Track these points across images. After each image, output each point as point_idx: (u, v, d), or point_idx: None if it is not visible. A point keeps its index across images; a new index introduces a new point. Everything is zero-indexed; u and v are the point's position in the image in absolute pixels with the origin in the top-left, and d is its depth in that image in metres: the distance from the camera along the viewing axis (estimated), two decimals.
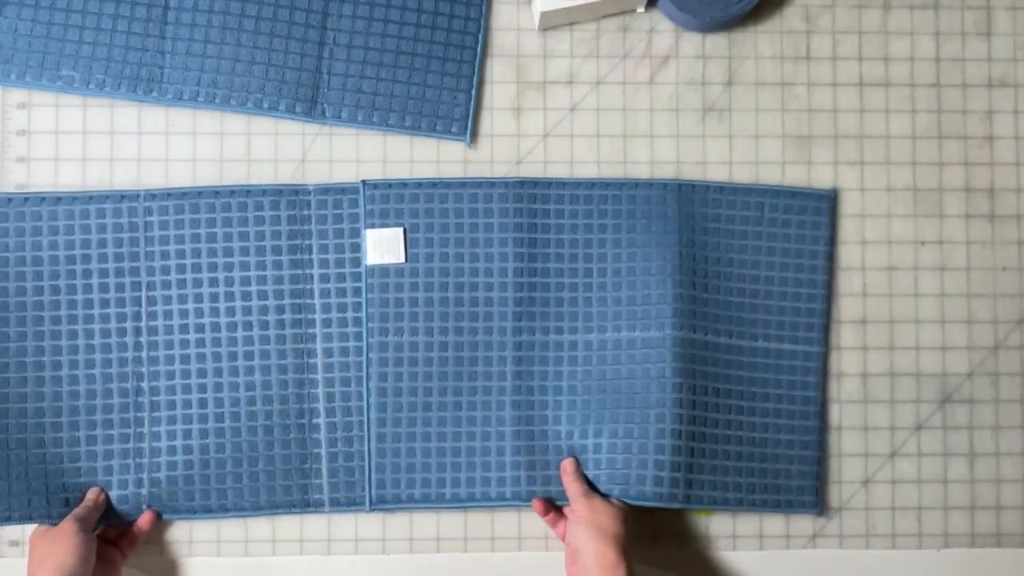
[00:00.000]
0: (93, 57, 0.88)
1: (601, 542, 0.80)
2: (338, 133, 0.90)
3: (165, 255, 0.88)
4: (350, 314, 0.88)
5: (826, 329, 0.90)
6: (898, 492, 0.91)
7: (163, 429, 0.87)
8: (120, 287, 0.87)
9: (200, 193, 0.88)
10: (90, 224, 0.88)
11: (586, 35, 0.92)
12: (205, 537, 0.88)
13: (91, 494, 0.85)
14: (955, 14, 0.93)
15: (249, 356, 0.87)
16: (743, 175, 0.91)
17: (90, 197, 0.88)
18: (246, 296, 0.88)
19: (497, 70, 0.91)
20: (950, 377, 0.91)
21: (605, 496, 0.85)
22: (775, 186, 0.91)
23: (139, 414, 0.87)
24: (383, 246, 0.88)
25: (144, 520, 0.86)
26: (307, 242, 0.88)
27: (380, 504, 0.87)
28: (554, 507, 0.87)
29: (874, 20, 0.93)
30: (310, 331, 0.88)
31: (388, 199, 0.89)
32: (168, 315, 0.87)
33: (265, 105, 0.89)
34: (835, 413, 0.91)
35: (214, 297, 0.87)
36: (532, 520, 0.89)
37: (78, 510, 0.83)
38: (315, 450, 0.87)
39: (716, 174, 0.91)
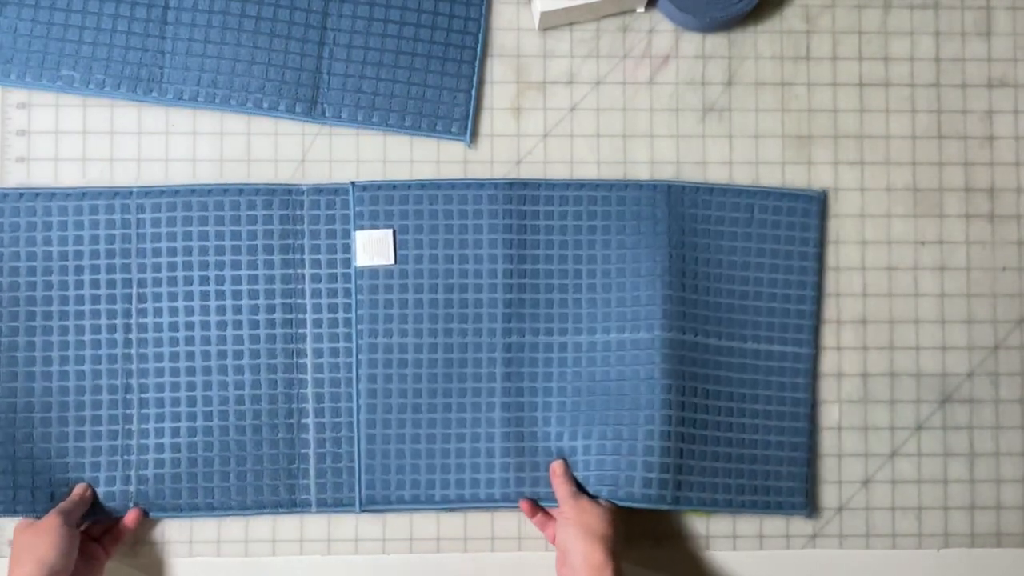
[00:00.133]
0: (93, 57, 0.88)
1: (589, 543, 0.80)
2: (338, 133, 0.90)
3: (157, 252, 0.88)
4: (341, 315, 0.88)
5: (816, 331, 0.90)
6: (898, 492, 0.91)
7: (151, 426, 0.87)
8: (112, 283, 0.88)
9: (193, 191, 0.88)
10: (83, 220, 0.88)
11: (586, 35, 0.92)
12: (205, 537, 0.88)
13: (78, 489, 0.86)
14: (955, 14, 0.93)
15: (239, 355, 0.87)
16: (743, 175, 0.91)
17: (83, 194, 0.88)
18: (237, 295, 0.88)
19: (497, 70, 0.91)
20: (950, 377, 0.91)
21: (593, 497, 0.85)
22: (764, 187, 0.91)
23: (128, 411, 0.87)
24: (372, 247, 0.88)
25: (130, 518, 0.86)
26: (299, 242, 0.88)
27: (370, 505, 0.87)
28: (541, 509, 0.87)
29: (874, 20, 0.93)
30: (300, 331, 0.88)
31: (378, 200, 0.89)
32: (159, 312, 0.88)
33: (265, 105, 0.89)
34: (835, 413, 0.91)
35: (205, 295, 0.88)
36: None
37: (63, 504, 0.83)
38: (303, 450, 0.88)
39: (716, 174, 0.91)
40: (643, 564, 0.89)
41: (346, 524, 0.89)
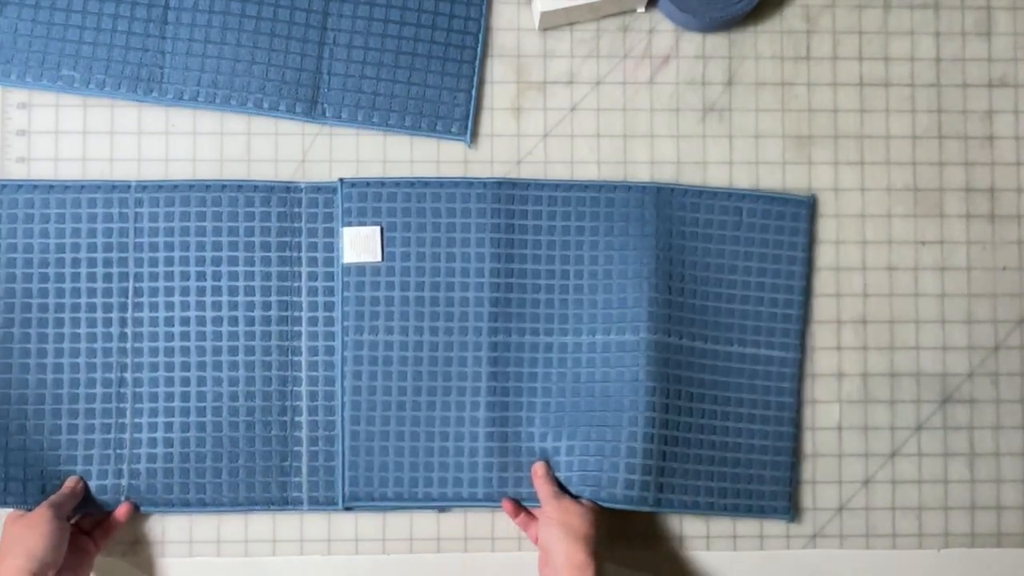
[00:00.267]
0: (93, 57, 0.88)
1: (570, 543, 0.80)
2: (338, 133, 0.90)
3: (154, 247, 0.88)
4: (336, 313, 0.88)
5: (802, 335, 0.90)
6: (898, 492, 0.91)
7: (145, 421, 0.87)
8: (108, 277, 0.88)
9: (191, 187, 0.88)
10: (81, 214, 0.88)
11: (586, 35, 0.92)
12: (205, 537, 0.88)
13: (69, 482, 0.86)
14: (955, 14, 0.93)
15: (233, 351, 0.88)
16: (743, 175, 0.91)
17: (81, 187, 0.88)
18: (233, 291, 0.88)
19: (497, 70, 0.91)
20: (950, 377, 0.91)
21: (576, 497, 0.85)
22: (753, 191, 0.91)
23: (121, 405, 0.87)
24: (360, 244, 0.88)
25: (121, 512, 0.86)
26: (296, 240, 0.89)
27: (353, 502, 0.87)
28: (524, 509, 0.87)
29: (874, 20, 0.93)
30: (296, 329, 0.88)
31: (366, 197, 0.89)
32: (154, 307, 0.88)
33: (265, 105, 0.89)
34: (835, 413, 0.91)
35: (201, 291, 0.88)
36: None
37: (54, 497, 0.83)
38: (295, 448, 0.88)
39: (716, 174, 0.91)
40: (641, 564, 0.89)
41: (346, 524, 0.89)
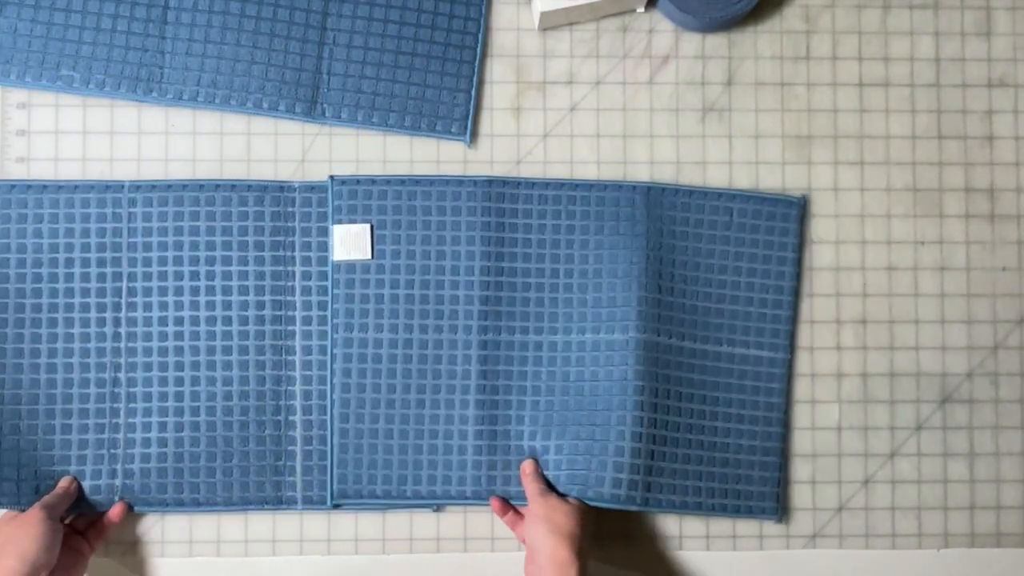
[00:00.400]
0: (93, 57, 0.88)
1: (555, 540, 0.80)
2: (338, 133, 0.90)
3: (147, 247, 0.88)
4: (328, 312, 0.88)
5: (792, 336, 0.90)
6: (898, 492, 0.91)
7: (139, 420, 0.87)
8: (101, 277, 0.88)
9: (185, 186, 0.88)
10: (74, 213, 0.88)
11: (586, 35, 0.92)
12: (205, 537, 0.88)
13: (63, 482, 0.86)
14: (955, 14, 0.93)
15: (227, 351, 0.88)
16: (742, 175, 0.91)
17: (75, 186, 0.88)
18: (227, 291, 0.88)
19: (497, 70, 0.91)
20: (950, 377, 0.91)
21: (563, 496, 0.85)
22: (745, 191, 0.90)
23: (115, 404, 0.87)
24: (350, 242, 0.88)
25: (115, 512, 0.86)
26: (290, 239, 0.89)
27: (341, 499, 0.87)
28: (512, 507, 0.87)
29: (874, 20, 0.93)
30: (289, 328, 0.88)
31: (356, 195, 0.89)
32: (148, 306, 0.88)
33: (265, 105, 0.89)
34: (835, 413, 0.91)
35: (194, 290, 0.88)
36: None
37: (47, 498, 0.83)
38: (290, 447, 0.88)
39: (715, 174, 0.91)
40: (640, 565, 0.89)
41: (346, 524, 0.89)
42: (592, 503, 0.85)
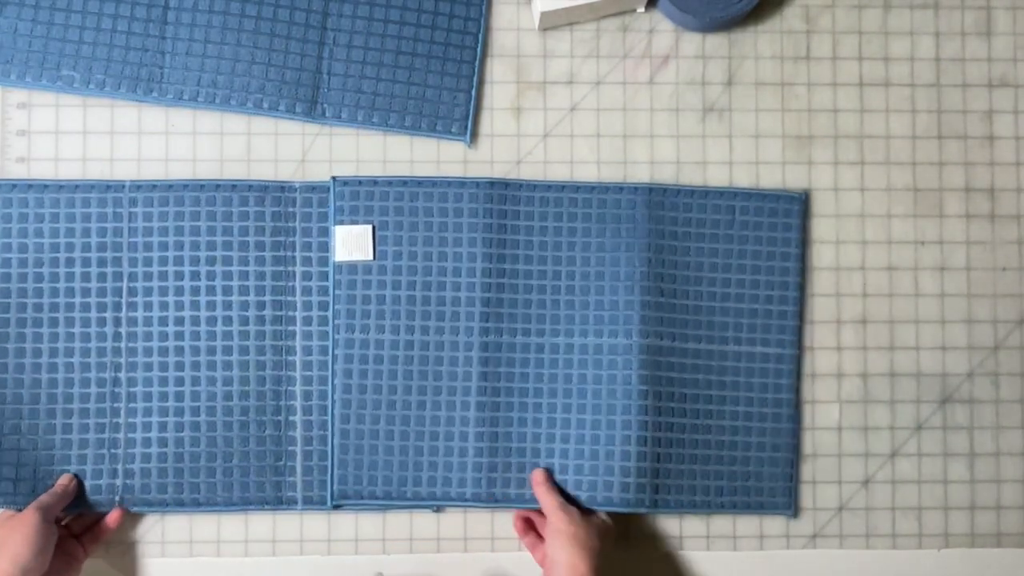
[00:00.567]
0: (93, 57, 0.88)
1: (575, 553, 0.80)
2: (338, 133, 0.90)
3: (148, 247, 0.88)
4: (329, 312, 0.88)
5: (799, 331, 0.90)
6: (898, 492, 0.91)
7: (139, 420, 0.87)
8: (102, 276, 0.88)
9: (185, 186, 0.88)
10: (75, 213, 0.88)
11: (586, 35, 0.92)
12: (205, 537, 0.88)
13: (62, 480, 0.85)
14: (955, 14, 0.93)
15: (228, 351, 0.88)
16: (743, 175, 0.91)
17: (75, 186, 0.88)
18: (228, 291, 0.88)
19: (497, 70, 0.91)
20: (950, 377, 0.91)
21: (586, 510, 0.85)
22: (746, 189, 0.90)
23: (115, 404, 0.87)
24: (352, 243, 0.88)
25: (112, 518, 0.86)
26: (291, 239, 0.89)
27: (341, 499, 0.87)
28: (533, 529, 0.87)
29: (874, 20, 0.93)
30: (290, 328, 0.88)
31: (358, 196, 0.89)
32: (148, 306, 0.88)
33: (265, 105, 0.89)
34: (835, 413, 0.91)
35: (195, 291, 0.88)
36: None
37: (43, 497, 0.83)
38: (290, 448, 0.88)
39: (716, 174, 0.91)
40: (638, 566, 0.89)
41: (346, 524, 0.89)
42: (601, 508, 0.86)
